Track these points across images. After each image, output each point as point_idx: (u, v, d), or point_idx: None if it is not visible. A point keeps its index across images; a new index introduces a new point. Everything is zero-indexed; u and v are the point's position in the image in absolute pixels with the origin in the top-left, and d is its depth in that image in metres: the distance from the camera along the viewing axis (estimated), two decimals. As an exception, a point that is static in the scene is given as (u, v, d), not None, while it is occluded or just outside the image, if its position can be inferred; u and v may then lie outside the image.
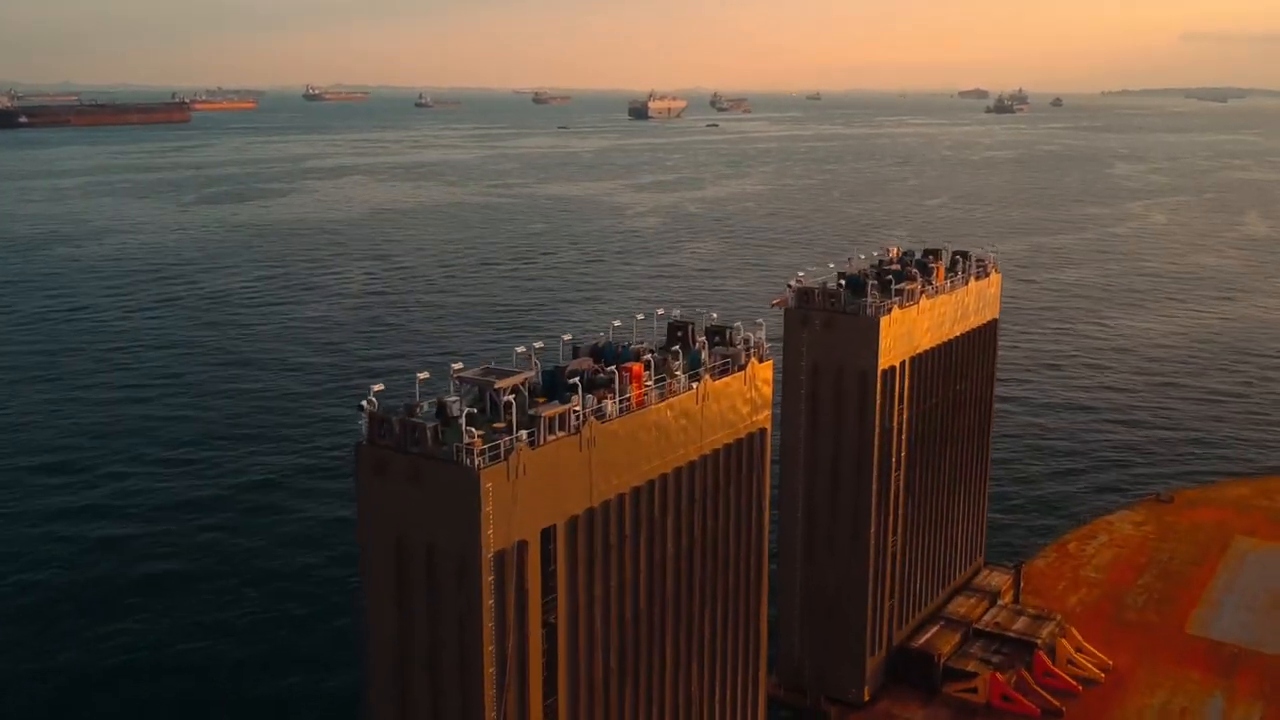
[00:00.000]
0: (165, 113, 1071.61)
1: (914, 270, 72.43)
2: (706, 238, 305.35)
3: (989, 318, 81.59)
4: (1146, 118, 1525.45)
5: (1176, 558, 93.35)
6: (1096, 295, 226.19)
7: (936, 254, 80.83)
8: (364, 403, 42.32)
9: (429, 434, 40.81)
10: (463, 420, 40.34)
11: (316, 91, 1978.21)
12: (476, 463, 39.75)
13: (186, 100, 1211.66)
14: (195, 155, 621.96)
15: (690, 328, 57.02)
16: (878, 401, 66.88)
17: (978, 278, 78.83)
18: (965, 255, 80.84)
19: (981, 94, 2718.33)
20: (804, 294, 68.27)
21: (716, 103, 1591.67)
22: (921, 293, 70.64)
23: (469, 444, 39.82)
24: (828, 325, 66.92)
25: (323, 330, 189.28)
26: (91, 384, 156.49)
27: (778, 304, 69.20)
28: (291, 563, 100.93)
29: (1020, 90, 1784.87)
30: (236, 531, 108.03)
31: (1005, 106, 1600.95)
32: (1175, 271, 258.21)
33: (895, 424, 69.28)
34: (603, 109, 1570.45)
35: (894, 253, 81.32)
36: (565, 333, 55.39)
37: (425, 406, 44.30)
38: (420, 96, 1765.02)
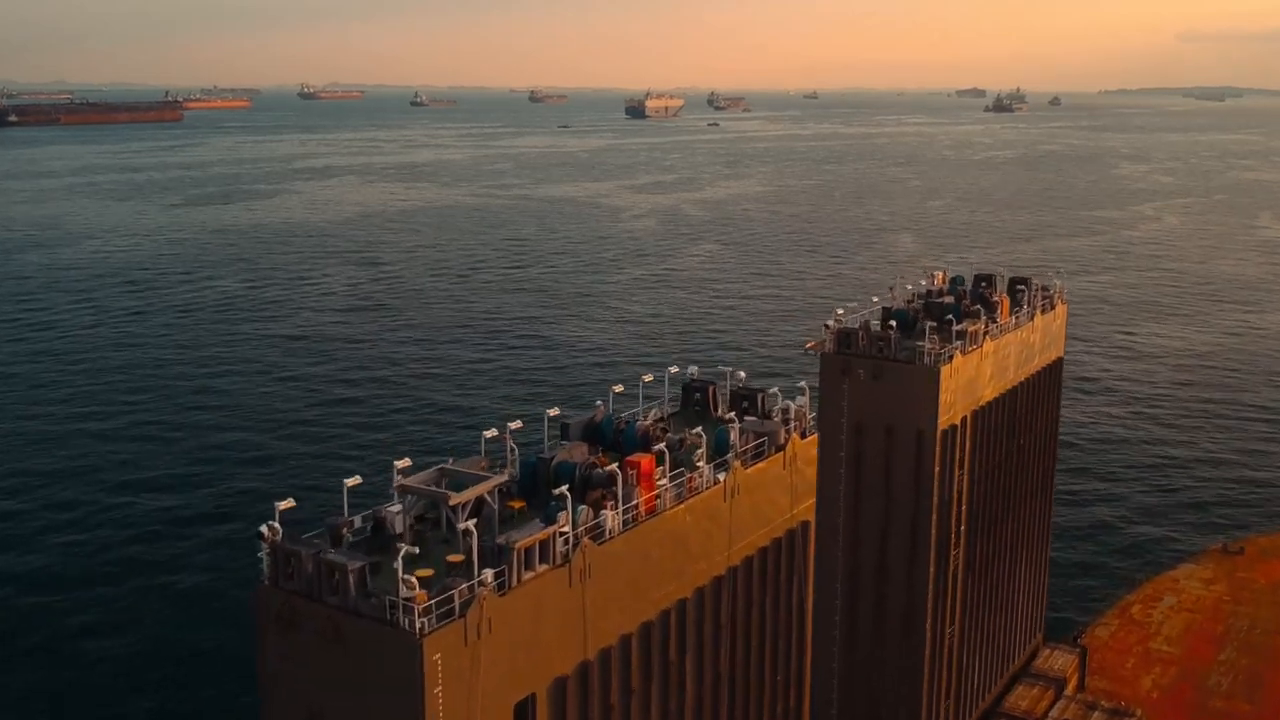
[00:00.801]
0: (157, 112, 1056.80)
1: (976, 306, 60.17)
2: (707, 243, 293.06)
3: (1054, 357, 69.49)
4: (1146, 117, 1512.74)
5: (1258, 625, 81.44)
6: (1121, 304, 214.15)
7: (990, 280, 68.86)
8: (264, 528, 30.09)
9: (352, 578, 28.62)
10: (399, 563, 28.02)
11: (311, 90, 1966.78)
12: (419, 624, 27.60)
13: (179, 99, 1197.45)
14: (184, 155, 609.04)
15: (712, 390, 44.93)
16: (936, 467, 54.80)
17: (1043, 311, 66.71)
18: (1025, 283, 68.76)
19: (979, 93, 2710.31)
20: (845, 336, 56.12)
21: (714, 101, 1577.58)
22: (985, 334, 58.51)
23: (407, 599, 27.65)
24: (876, 375, 54.81)
25: (293, 348, 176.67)
26: (44, 403, 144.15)
27: (813, 348, 57.16)
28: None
29: (1019, 89, 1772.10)
30: (183, 573, 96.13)
31: (1004, 105, 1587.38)
32: (1200, 279, 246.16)
33: (955, 491, 57.22)
34: (600, 108, 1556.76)
35: (939, 279, 69.32)
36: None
37: (358, 522, 32.25)
38: (416, 95, 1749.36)
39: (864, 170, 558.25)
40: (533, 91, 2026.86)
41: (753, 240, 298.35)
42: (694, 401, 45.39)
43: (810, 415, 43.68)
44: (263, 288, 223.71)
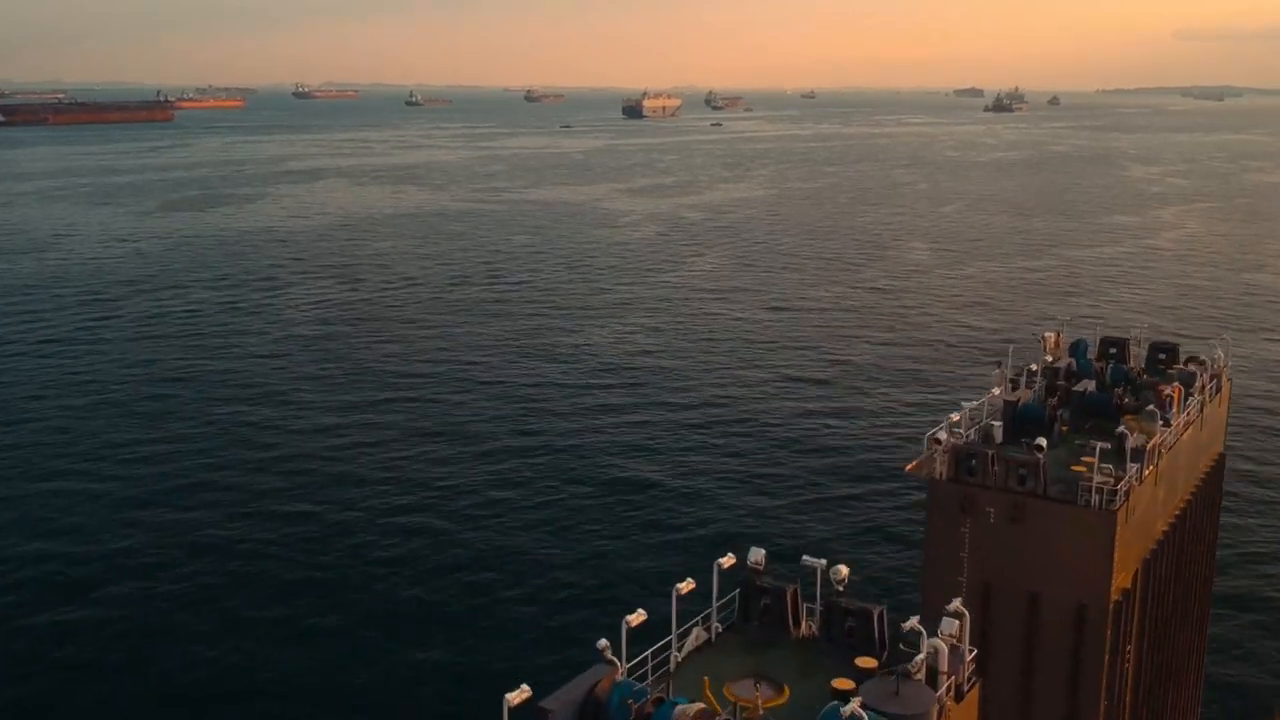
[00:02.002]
0: (148, 111, 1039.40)
1: (1149, 406, 42.20)
2: (710, 253, 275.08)
3: (1215, 454, 51.56)
4: (1147, 117, 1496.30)
5: None
6: (1168, 328, 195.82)
7: (1121, 347, 51.06)
8: None
9: None
10: None
11: (306, 90, 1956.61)
12: None
13: (170, 99, 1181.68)
14: (169, 156, 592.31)
15: (789, 596, 27.11)
16: (1106, 655, 36.99)
17: (1209, 396, 48.87)
18: (1170, 351, 51.01)
19: (977, 92, 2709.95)
20: (964, 457, 38.25)
21: (712, 101, 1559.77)
22: (1160, 447, 40.62)
23: None
24: (1015, 518, 37.00)
25: (251, 374, 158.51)
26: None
27: (914, 471, 39.38)
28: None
29: (1017, 89, 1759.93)
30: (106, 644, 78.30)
31: (1004, 105, 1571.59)
32: (1243, 295, 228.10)
33: (1121, 683, 39.37)
34: (596, 108, 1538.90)
35: (1052, 343, 51.48)
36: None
37: None
38: (411, 95, 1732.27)
39: (868, 172, 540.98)
40: (529, 91, 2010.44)
41: (758, 250, 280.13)
42: (759, 612, 27.58)
43: (970, 654, 25.81)
44: (229, 305, 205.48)
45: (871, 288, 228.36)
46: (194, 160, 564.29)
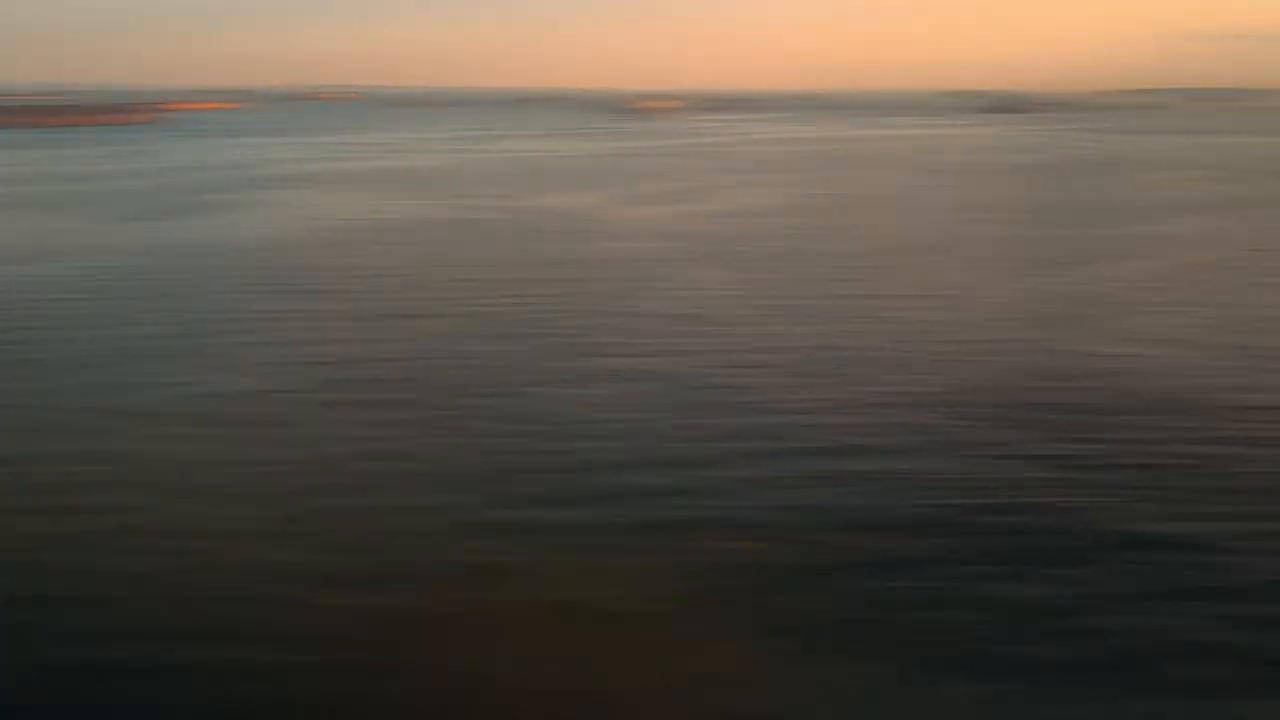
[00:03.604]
0: (133, 113, 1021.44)
1: None
2: (714, 266, 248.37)
3: None
4: (1156, 118, 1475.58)
5: None
6: (1264, 355, 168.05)
7: None
8: None
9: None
10: None
11: (304, 91, 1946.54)
12: None
13: (160, 101, 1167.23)
14: (145, 161, 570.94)
15: None
16: None
17: None
18: None
19: (979, 94, 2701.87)
20: None
21: (712, 104, 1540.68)
22: None
23: None
24: None
25: (224, 393, 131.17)
26: None
27: None
28: None
29: (1020, 90, 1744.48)
30: None
31: (1009, 107, 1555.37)
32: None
33: None
34: (593, 109, 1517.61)
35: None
36: None
37: None
38: (408, 97, 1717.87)
39: (878, 178, 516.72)
40: (525, 93, 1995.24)
41: (773, 267, 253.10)
42: None
43: None
44: (196, 323, 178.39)
45: (921, 312, 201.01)
46: (171, 165, 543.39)
